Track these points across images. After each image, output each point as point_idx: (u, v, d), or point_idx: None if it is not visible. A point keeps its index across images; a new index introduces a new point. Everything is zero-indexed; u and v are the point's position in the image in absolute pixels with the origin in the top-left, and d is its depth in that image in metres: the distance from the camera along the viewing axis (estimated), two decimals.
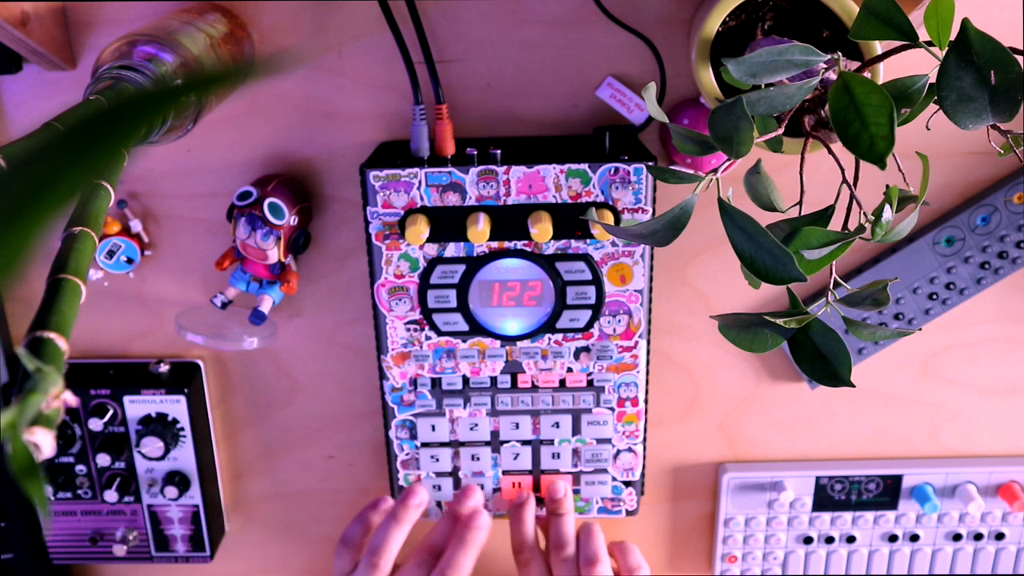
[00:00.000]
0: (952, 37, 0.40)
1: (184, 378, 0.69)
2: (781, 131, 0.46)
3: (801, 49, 0.43)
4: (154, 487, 0.71)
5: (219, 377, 0.72)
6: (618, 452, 0.68)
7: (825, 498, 0.74)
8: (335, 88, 0.64)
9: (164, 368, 0.69)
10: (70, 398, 0.27)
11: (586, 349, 0.65)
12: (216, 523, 0.74)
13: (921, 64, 0.43)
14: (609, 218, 0.60)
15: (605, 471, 0.69)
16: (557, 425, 0.67)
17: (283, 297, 0.66)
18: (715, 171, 0.45)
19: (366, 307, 0.69)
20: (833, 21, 0.53)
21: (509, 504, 0.70)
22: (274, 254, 0.63)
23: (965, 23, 0.39)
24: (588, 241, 0.62)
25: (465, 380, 0.66)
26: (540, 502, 0.70)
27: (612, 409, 0.67)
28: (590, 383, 0.66)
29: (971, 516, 0.74)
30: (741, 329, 0.46)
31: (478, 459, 0.68)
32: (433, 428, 0.68)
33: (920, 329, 0.63)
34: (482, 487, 0.69)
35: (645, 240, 0.46)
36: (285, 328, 0.70)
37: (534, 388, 0.66)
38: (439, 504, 0.70)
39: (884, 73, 0.52)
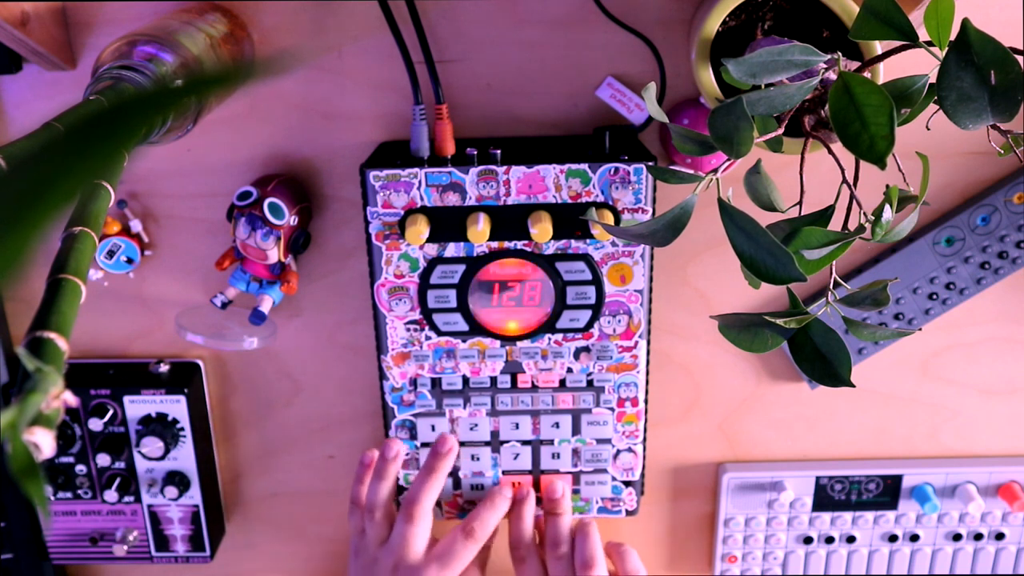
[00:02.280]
0: (952, 37, 0.40)
1: (184, 378, 0.69)
2: (781, 131, 0.46)
3: (801, 49, 0.43)
4: (154, 487, 0.71)
5: (219, 377, 0.72)
6: (618, 452, 0.68)
7: (825, 498, 0.74)
8: (335, 88, 0.64)
9: (164, 368, 0.69)
10: (70, 398, 0.27)
11: (586, 349, 0.65)
12: (216, 523, 0.74)
13: (921, 64, 0.43)
14: (609, 218, 0.60)
15: (605, 471, 0.69)
16: (557, 425, 0.67)
17: (283, 297, 0.66)
18: (715, 171, 0.45)
19: (366, 307, 0.69)
20: (833, 21, 0.53)
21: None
22: (274, 254, 0.63)
23: (965, 23, 0.39)
24: (588, 241, 0.62)
25: (465, 380, 0.66)
26: (539, 502, 0.70)
27: (612, 409, 0.67)
28: (590, 383, 0.66)
29: (971, 516, 0.74)
30: (741, 329, 0.46)
31: (478, 459, 0.68)
32: (433, 428, 0.68)
33: (920, 329, 0.63)
34: (482, 487, 0.69)
35: (645, 240, 0.46)
36: (285, 328, 0.70)
37: (534, 388, 0.66)
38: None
39: (884, 73, 0.52)
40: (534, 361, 0.65)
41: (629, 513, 0.71)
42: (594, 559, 0.67)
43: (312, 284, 0.69)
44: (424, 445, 0.68)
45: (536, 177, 0.60)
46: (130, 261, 0.67)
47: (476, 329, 0.64)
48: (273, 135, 0.65)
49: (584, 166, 0.60)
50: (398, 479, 0.69)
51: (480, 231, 0.60)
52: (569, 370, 0.66)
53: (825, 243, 0.43)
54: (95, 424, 0.68)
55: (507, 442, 0.68)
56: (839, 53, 0.43)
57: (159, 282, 0.69)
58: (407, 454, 0.69)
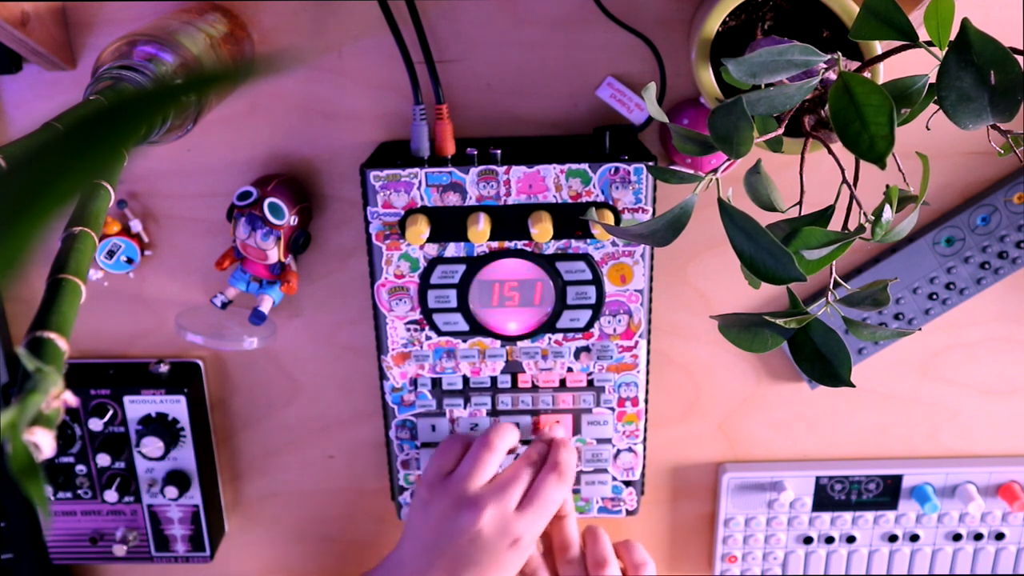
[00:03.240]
0: (952, 37, 0.40)
1: (184, 378, 0.69)
2: (781, 131, 0.46)
3: (801, 49, 0.43)
4: (154, 487, 0.71)
5: (219, 377, 0.72)
6: (618, 452, 0.68)
7: (825, 498, 0.74)
8: (335, 88, 0.64)
9: (164, 368, 0.69)
10: (70, 398, 0.27)
11: (586, 349, 0.65)
12: (216, 523, 0.74)
13: (921, 64, 0.43)
14: (609, 218, 0.60)
15: (605, 471, 0.69)
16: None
17: (283, 297, 0.66)
18: (715, 171, 0.45)
19: (366, 307, 0.69)
20: (833, 21, 0.53)
21: None
22: (274, 254, 0.63)
23: (965, 23, 0.39)
24: (588, 241, 0.62)
25: (465, 380, 0.66)
26: None
27: (612, 409, 0.67)
28: (590, 383, 0.66)
29: (971, 516, 0.74)
30: (741, 329, 0.46)
31: None
32: (433, 428, 0.68)
33: (920, 329, 0.63)
34: None
35: (645, 240, 0.46)
36: (285, 328, 0.70)
37: (534, 388, 0.66)
38: None
39: (884, 73, 0.52)
40: (534, 361, 0.65)
41: (629, 513, 0.71)
42: (606, 558, 0.67)
43: (312, 284, 0.69)
44: (424, 445, 0.68)
45: (536, 177, 0.60)
46: (130, 261, 0.67)
47: (476, 329, 0.64)
48: (273, 135, 0.65)
49: (584, 166, 0.60)
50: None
51: (480, 231, 0.60)
52: (569, 370, 0.66)
53: (825, 243, 0.43)
54: (95, 424, 0.68)
55: None
56: (839, 53, 0.43)
57: (159, 282, 0.69)
58: (407, 454, 0.69)
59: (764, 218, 0.44)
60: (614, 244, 0.62)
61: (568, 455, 0.65)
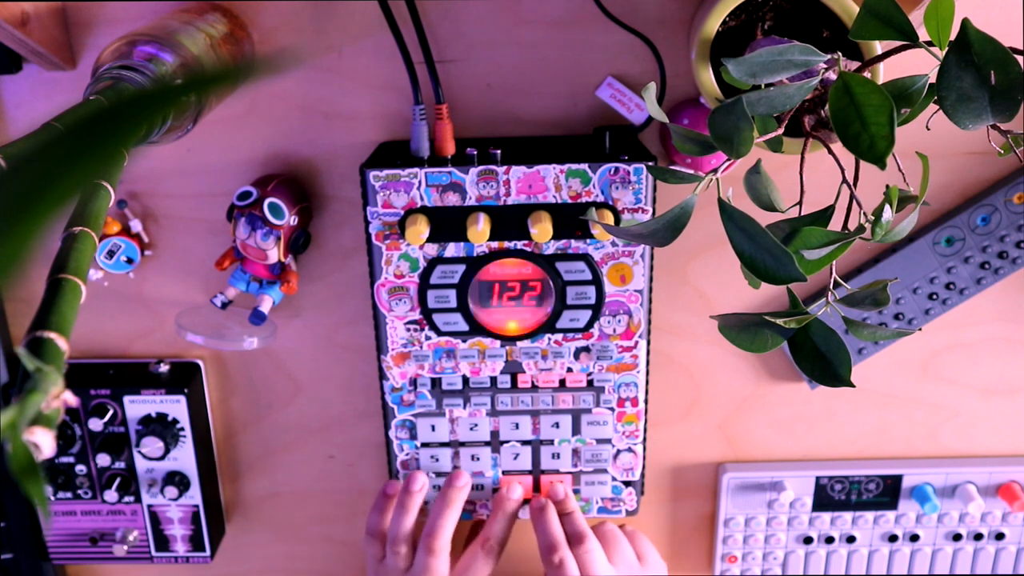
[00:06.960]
0: (952, 37, 0.40)
1: (184, 378, 0.69)
2: (781, 131, 0.46)
3: (801, 49, 0.43)
4: (154, 487, 0.71)
5: (219, 377, 0.72)
6: (618, 452, 0.68)
7: (825, 498, 0.74)
8: (335, 88, 0.64)
9: (164, 368, 0.69)
10: (70, 398, 0.27)
11: (586, 349, 0.65)
12: (216, 523, 0.74)
13: (921, 64, 0.43)
14: (609, 218, 0.60)
15: (605, 471, 0.69)
16: (557, 425, 0.67)
17: (283, 297, 0.66)
18: (715, 171, 0.45)
19: (366, 307, 0.69)
20: (833, 21, 0.53)
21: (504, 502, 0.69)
22: (274, 254, 0.63)
23: (965, 23, 0.39)
24: (588, 241, 0.62)
25: (465, 380, 0.66)
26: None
27: (612, 409, 0.67)
28: (590, 383, 0.66)
29: (971, 516, 0.74)
30: (741, 329, 0.46)
31: (478, 459, 0.68)
32: (433, 428, 0.68)
33: (920, 329, 0.63)
34: (482, 487, 0.69)
35: (645, 240, 0.46)
36: (285, 328, 0.70)
37: (534, 388, 0.66)
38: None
39: (884, 73, 0.52)
40: (534, 361, 0.65)
41: (629, 513, 0.71)
42: (623, 543, 0.69)
43: (312, 284, 0.69)
44: (424, 445, 0.68)
45: (536, 177, 0.60)
46: (130, 261, 0.67)
47: (476, 329, 0.64)
48: (273, 135, 0.65)
49: (584, 166, 0.60)
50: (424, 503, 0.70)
51: (480, 231, 0.60)
52: (569, 370, 0.66)
53: (825, 243, 0.43)
54: (95, 424, 0.68)
55: (507, 442, 0.68)
56: (839, 53, 0.43)
57: (159, 282, 0.69)
58: (407, 454, 0.69)
59: (764, 218, 0.44)
60: (614, 244, 0.62)
61: (499, 526, 0.68)
